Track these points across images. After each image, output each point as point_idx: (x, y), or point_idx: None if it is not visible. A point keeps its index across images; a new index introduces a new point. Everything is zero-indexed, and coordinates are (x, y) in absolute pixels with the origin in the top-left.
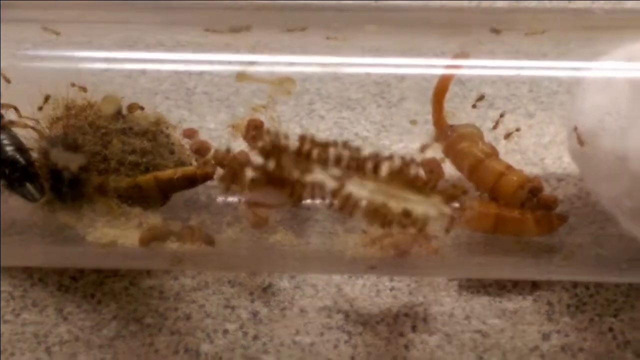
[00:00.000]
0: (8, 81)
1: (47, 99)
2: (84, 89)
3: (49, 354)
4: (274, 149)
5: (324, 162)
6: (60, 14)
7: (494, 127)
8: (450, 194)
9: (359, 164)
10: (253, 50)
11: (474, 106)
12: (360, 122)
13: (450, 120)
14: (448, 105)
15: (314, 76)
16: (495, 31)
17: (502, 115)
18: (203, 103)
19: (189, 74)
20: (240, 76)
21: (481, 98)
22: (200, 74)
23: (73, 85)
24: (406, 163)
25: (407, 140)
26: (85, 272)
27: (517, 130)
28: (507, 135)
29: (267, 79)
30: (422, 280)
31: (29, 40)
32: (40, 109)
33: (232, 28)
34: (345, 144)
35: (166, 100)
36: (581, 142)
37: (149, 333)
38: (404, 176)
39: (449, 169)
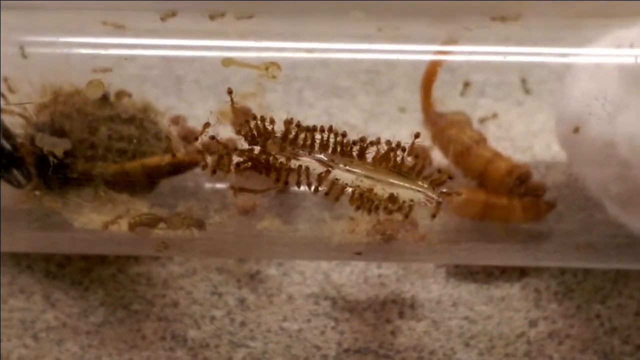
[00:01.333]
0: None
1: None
2: (107, 70)
3: (36, 340)
4: (260, 134)
5: (310, 147)
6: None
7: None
8: (436, 180)
9: (345, 149)
10: (243, 37)
11: (462, 94)
12: (350, 110)
13: (439, 108)
14: (437, 92)
15: (304, 64)
16: (501, 19)
17: (467, 85)
18: (192, 91)
19: (179, 61)
20: (226, 61)
21: (467, 85)
22: (190, 61)
23: (95, 70)
24: (392, 148)
25: (396, 127)
26: (73, 259)
27: (494, 116)
28: (482, 121)
29: (252, 64)
30: (410, 267)
31: (19, 27)
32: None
33: (221, 13)
34: (331, 129)
35: (155, 87)
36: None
37: (136, 319)
38: (390, 161)
39: (438, 156)
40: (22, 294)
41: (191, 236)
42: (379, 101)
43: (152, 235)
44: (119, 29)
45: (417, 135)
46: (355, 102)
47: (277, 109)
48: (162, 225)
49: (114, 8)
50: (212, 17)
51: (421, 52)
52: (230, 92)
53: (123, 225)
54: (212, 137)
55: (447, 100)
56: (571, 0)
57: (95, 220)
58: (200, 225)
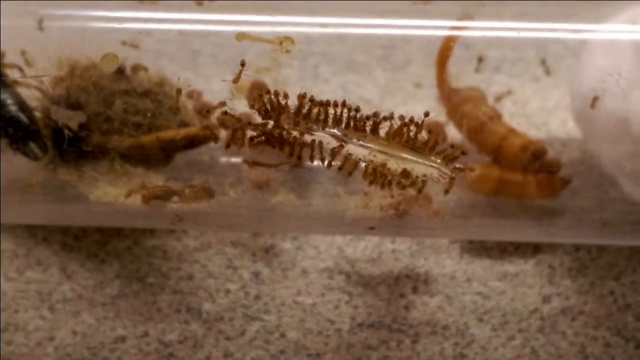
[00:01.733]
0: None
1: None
2: (135, 46)
3: (52, 312)
4: (273, 109)
5: (323, 122)
6: None
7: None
8: (450, 155)
9: (358, 124)
10: (259, 11)
11: (476, 70)
12: (365, 85)
13: (455, 84)
14: (453, 68)
15: (320, 39)
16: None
17: (480, 60)
18: (209, 65)
19: (195, 35)
20: (240, 35)
21: (481, 60)
22: (206, 36)
23: (124, 43)
24: (405, 123)
25: (412, 103)
26: (89, 231)
27: (509, 92)
28: (498, 99)
29: (266, 38)
30: (424, 243)
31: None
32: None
33: None
34: (345, 104)
35: (172, 62)
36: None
37: (151, 292)
38: (403, 137)
39: (453, 132)
40: (38, 266)
41: (205, 208)
42: (394, 77)
43: (166, 208)
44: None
45: (426, 114)
46: (371, 77)
47: (293, 84)
48: (175, 198)
49: None
50: None
51: (437, 28)
52: (243, 64)
53: (138, 198)
54: (225, 113)
55: (463, 76)
56: None
57: (111, 193)
58: (210, 193)
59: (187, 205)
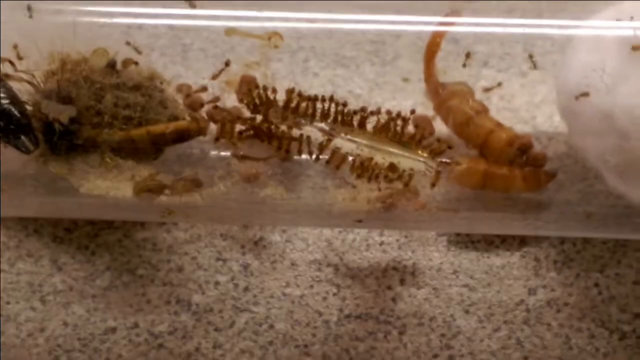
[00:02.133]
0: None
1: None
2: (138, 51)
3: (43, 303)
4: (262, 103)
5: (311, 116)
6: None
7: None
8: (436, 149)
9: (345, 119)
10: (249, 6)
11: (464, 65)
12: (354, 80)
13: (442, 78)
14: (441, 63)
15: (309, 33)
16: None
17: (468, 56)
18: (199, 59)
19: (186, 30)
20: (229, 31)
21: (469, 56)
22: (197, 30)
23: (128, 43)
24: (392, 118)
25: (400, 98)
26: (80, 223)
27: (499, 85)
28: (487, 90)
29: (255, 33)
30: (412, 235)
31: None
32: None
33: None
34: (332, 99)
35: (162, 56)
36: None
37: (141, 284)
38: (390, 131)
39: (440, 127)
40: (29, 257)
41: (195, 201)
42: (383, 71)
43: (156, 201)
44: None
45: (412, 112)
46: (359, 72)
47: (282, 78)
48: (166, 191)
49: None
50: None
51: (425, 23)
52: (227, 64)
53: (127, 191)
54: (215, 107)
55: (450, 71)
56: None
57: (101, 186)
58: (197, 183)
59: (178, 197)
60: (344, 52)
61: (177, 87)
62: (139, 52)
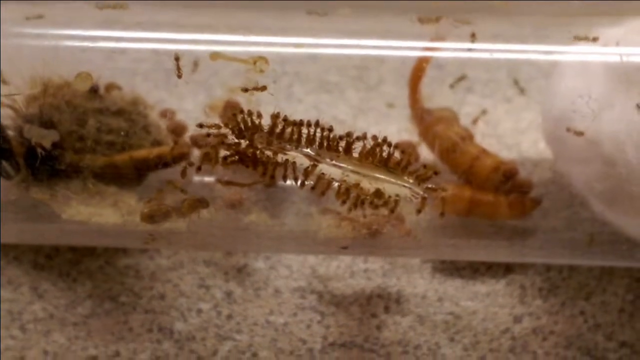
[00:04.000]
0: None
1: None
2: (118, 88)
3: (24, 331)
4: (247, 128)
5: (296, 142)
6: None
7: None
8: (422, 175)
9: (331, 144)
10: (233, 31)
11: (451, 86)
12: (338, 105)
13: (427, 104)
14: (426, 89)
15: (293, 59)
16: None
17: (462, 78)
18: (183, 84)
19: (169, 54)
20: (214, 55)
21: (462, 78)
22: (181, 55)
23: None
24: (378, 143)
25: (385, 123)
26: (61, 250)
27: (483, 112)
28: (475, 120)
29: (240, 58)
30: (396, 262)
31: (9, 18)
32: None
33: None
34: (318, 124)
35: (146, 81)
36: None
37: (123, 311)
38: (376, 156)
39: (426, 153)
40: (9, 285)
41: (179, 227)
42: (367, 97)
43: (139, 227)
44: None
45: (396, 146)
46: (344, 97)
47: (266, 103)
48: (173, 216)
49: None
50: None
51: (410, 49)
52: (177, 58)
53: (110, 217)
54: (200, 125)
55: (435, 97)
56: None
57: (83, 212)
58: (203, 203)
59: (185, 218)
60: (328, 78)
61: (161, 112)
62: (119, 88)
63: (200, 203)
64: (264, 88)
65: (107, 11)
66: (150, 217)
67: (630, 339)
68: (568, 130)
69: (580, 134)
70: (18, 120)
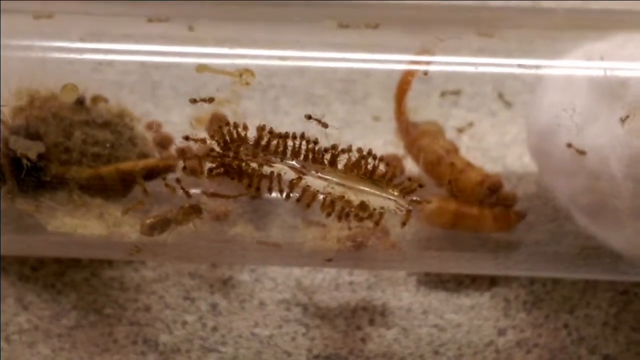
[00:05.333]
0: None
1: None
2: (104, 100)
3: (8, 343)
4: (232, 140)
5: (282, 154)
6: (26, 5)
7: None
8: (407, 188)
9: (316, 156)
10: (220, 44)
11: (442, 94)
12: (325, 119)
13: (413, 117)
14: (412, 102)
15: (280, 72)
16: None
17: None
18: (169, 97)
19: (156, 67)
20: (201, 67)
21: (456, 92)
22: (167, 67)
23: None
24: (363, 156)
25: (371, 136)
26: (46, 262)
27: (470, 125)
28: (461, 131)
29: (226, 70)
30: (381, 275)
31: None
32: None
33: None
34: (303, 136)
35: (132, 93)
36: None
37: (108, 323)
38: (361, 169)
39: (411, 166)
40: None
41: (163, 239)
42: (353, 110)
43: (124, 239)
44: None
45: (381, 159)
46: (330, 110)
47: (253, 116)
48: (172, 225)
49: (91, 13)
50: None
51: (396, 62)
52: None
53: (95, 229)
54: (186, 137)
55: (421, 110)
56: (544, 14)
57: (69, 223)
58: (197, 210)
59: (182, 227)
60: (314, 91)
61: (147, 124)
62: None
63: (194, 210)
64: (211, 100)
65: (94, 23)
66: (151, 228)
67: (614, 352)
68: (569, 146)
69: (582, 152)
70: (4, 131)
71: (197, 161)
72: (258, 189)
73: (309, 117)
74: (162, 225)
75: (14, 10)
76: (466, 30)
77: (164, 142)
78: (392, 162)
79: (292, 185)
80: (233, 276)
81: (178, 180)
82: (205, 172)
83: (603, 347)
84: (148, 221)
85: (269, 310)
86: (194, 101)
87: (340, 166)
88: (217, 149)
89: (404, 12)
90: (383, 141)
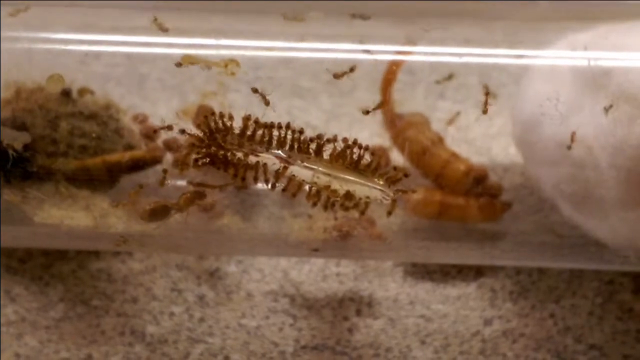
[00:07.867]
0: None
1: None
2: (91, 92)
3: None
4: (218, 130)
5: (267, 144)
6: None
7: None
8: (392, 177)
9: (302, 146)
10: (207, 35)
11: (438, 82)
12: (311, 111)
13: (399, 109)
14: (398, 94)
15: (267, 64)
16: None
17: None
18: (156, 89)
19: (143, 60)
20: (186, 58)
21: (449, 77)
22: (154, 60)
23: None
24: (349, 145)
25: (357, 128)
26: (34, 254)
27: (457, 114)
28: (450, 122)
29: (212, 60)
30: (368, 266)
31: None
32: None
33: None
34: (289, 126)
35: (119, 85)
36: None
37: (95, 315)
38: (346, 158)
39: (397, 157)
40: None
41: (150, 230)
42: (340, 102)
43: (111, 229)
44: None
45: (366, 148)
46: (317, 102)
47: (239, 108)
48: (173, 211)
49: (79, 5)
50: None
51: (383, 53)
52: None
53: (82, 220)
54: (183, 131)
55: (407, 102)
56: (531, 0)
57: (55, 215)
58: (200, 195)
59: (184, 212)
60: (301, 83)
61: (133, 116)
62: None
63: (197, 195)
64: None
65: (81, 15)
66: (151, 214)
67: (600, 341)
68: (569, 148)
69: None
70: None
71: (184, 152)
72: (244, 178)
73: (255, 91)
74: (162, 211)
75: None
76: (451, 21)
77: (150, 134)
78: (378, 152)
79: (277, 175)
80: (220, 267)
81: (165, 171)
82: (191, 162)
83: (589, 336)
84: (148, 207)
85: (256, 301)
86: None
87: (325, 156)
88: (204, 138)
89: (390, 3)
90: (369, 133)
